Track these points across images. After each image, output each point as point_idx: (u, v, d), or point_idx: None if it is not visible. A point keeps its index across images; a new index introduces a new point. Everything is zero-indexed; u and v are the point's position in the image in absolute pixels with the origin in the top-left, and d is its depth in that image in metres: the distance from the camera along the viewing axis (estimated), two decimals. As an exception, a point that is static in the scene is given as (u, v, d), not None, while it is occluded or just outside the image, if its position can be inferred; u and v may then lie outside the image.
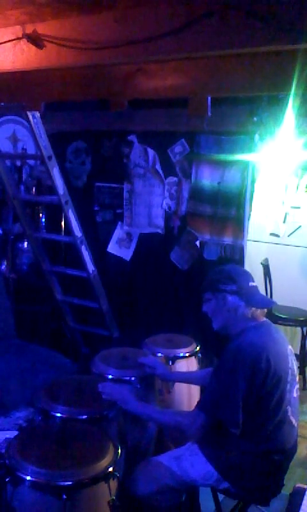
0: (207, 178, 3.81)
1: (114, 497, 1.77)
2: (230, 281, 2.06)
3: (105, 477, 1.76)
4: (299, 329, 4.31)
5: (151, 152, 4.00)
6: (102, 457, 1.80)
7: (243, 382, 1.86)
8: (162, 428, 2.38)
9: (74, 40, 2.04)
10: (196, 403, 2.01)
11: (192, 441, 2.12)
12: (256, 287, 2.10)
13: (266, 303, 2.13)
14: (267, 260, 4.39)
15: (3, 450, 1.88)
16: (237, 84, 2.34)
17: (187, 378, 2.61)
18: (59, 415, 2.10)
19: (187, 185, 3.91)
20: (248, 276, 2.10)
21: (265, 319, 2.10)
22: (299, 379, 2.10)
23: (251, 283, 2.07)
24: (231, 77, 2.32)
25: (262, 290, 4.04)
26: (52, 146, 3.40)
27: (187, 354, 2.87)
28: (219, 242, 3.82)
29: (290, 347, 2.09)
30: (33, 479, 1.69)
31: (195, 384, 2.69)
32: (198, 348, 2.94)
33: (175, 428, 2.11)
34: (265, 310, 2.12)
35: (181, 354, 2.86)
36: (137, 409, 2.12)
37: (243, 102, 3.52)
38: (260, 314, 2.08)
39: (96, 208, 4.38)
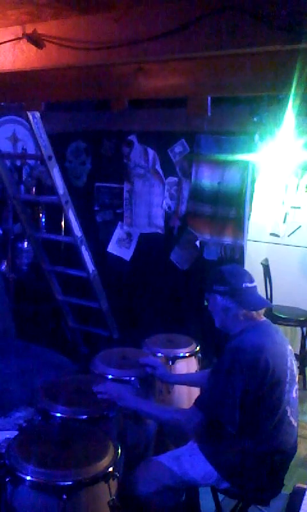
0: (207, 178, 3.81)
1: (114, 497, 1.77)
2: (222, 283, 2.05)
3: (105, 477, 1.75)
4: (298, 329, 4.31)
5: (151, 152, 4.00)
6: (102, 457, 1.80)
7: (241, 382, 1.86)
8: (159, 424, 2.38)
9: (74, 40, 2.04)
10: (195, 402, 2.01)
11: (192, 440, 2.12)
12: (251, 288, 2.06)
13: (259, 304, 2.09)
14: (267, 260, 4.39)
15: (3, 450, 1.88)
16: (237, 84, 2.34)
17: (187, 381, 2.61)
18: (59, 415, 2.10)
19: (187, 185, 3.91)
20: (243, 277, 2.07)
21: (264, 318, 2.10)
22: (299, 379, 2.10)
23: (245, 284, 2.05)
24: (231, 77, 2.31)
25: (262, 290, 4.05)
26: (52, 146, 3.40)
27: (187, 354, 2.87)
28: (219, 242, 3.82)
29: (290, 347, 2.09)
30: (33, 479, 1.69)
31: (195, 386, 2.68)
32: (198, 348, 2.94)
33: (172, 424, 2.12)
34: (262, 310, 2.11)
35: (181, 354, 2.86)
36: (134, 405, 2.12)
37: (243, 102, 3.53)
38: (258, 314, 2.07)
39: (96, 208, 4.38)
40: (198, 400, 1.98)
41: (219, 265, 2.27)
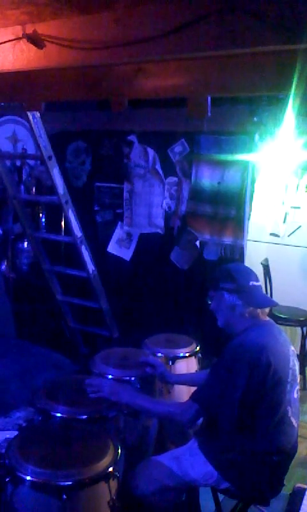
0: (207, 178, 3.81)
1: (114, 497, 1.77)
2: (229, 280, 2.06)
3: (105, 477, 1.76)
4: (298, 329, 4.31)
5: (151, 151, 4.00)
6: (102, 457, 1.81)
7: (241, 380, 1.87)
8: (155, 417, 2.37)
9: (74, 40, 2.04)
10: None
11: (192, 440, 2.12)
12: (257, 287, 2.09)
13: (265, 302, 2.12)
14: (267, 260, 4.40)
15: (3, 450, 1.89)
16: (237, 84, 2.33)
17: (187, 380, 2.60)
18: (59, 415, 2.10)
19: (187, 185, 3.91)
20: (250, 275, 2.09)
21: (268, 318, 2.10)
22: (299, 379, 2.10)
23: (252, 283, 2.07)
24: (231, 77, 2.31)
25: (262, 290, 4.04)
26: (52, 146, 3.40)
27: (187, 354, 2.87)
28: (219, 242, 3.82)
29: (292, 347, 2.09)
30: (33, 479, 1.69)
31: (195, 386, 2.68)
32: (198, 348, 2.94)
33: (167, 417, 2.12)
34: (267, 309, 2.11)
35: (181, 354, 2.86)
36: (128, 399, 2.11)
37: (243, 102, 3.52)
38: (262, 314, 2.07)
39: (96, 208, 4.38)
40: (194, 394, 1.99)
41: (220, 265, 2.27)
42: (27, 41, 2.13)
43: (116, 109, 2.66)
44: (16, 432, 2.28)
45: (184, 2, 1.77)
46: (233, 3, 1.66)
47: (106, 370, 2.49)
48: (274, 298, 4.24)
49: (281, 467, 2.00)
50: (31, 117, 3.24)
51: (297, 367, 2.06)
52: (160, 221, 4.07)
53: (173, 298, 4.10)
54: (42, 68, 2.23)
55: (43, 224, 4.50)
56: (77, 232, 3.64)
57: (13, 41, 2.22)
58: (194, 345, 2.95)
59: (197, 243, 3.93)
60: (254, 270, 2.16)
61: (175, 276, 4.05)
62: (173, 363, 2.80)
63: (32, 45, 2.14)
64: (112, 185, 4.26)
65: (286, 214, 4.65)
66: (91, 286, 3.81)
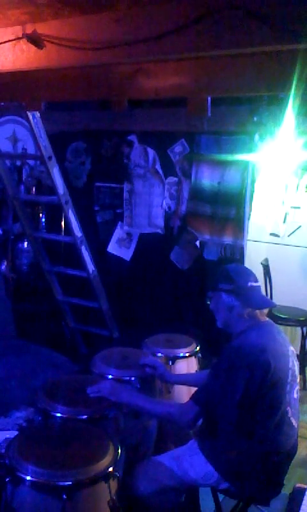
0: (207, 178, 3.81)
1: (114, 497, 1.77)
2: (227, 281, 2.06)
3: (105, 477, 1.76)
4: (298, 329, 4.31)
5: (151, 152, 4.00)
6: (102, 457, 1.80)
7: (240, 381, 1.86)
8: (154, 417, 2.37)
9: (74, 40, 2.04)
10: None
11: (193, 440, 2.12)
12: (256, 288, 2.08)
13: (263, 303, 2.11)
14: (267, 260, 4.39)
15: (3, 450, 1.89)
16: (237, 84, 2.34)
17: (187, 381, 2.60)
18: (59, 415, 2.10)
19: (187, 185, 3.91)
20: (249, 276, 2.09)
21: (267, 319, 2.10)
22: (299, 379, 2.10)
23: (250, 284, 2.06)
24: (231, 77, 2.31)
25: (262, 290, 4.04)
26: (52, 146, 3.40)
27: (187, 354, 2.87)
28: (219, 242, 3.82)
29: (291, 348, 2.09)
30: (33, 479, 1.69)
31: (195, 386, 2.68)
32: (198, 348, 2.94)
33: (166, 418, 2.12)
34: (266, 310, 2.11)
35: (181, 354, 2.86)
36: (127, 399, 2.12)
37: (243, 102, 3.52)
38: (261, 314, 2.07)
39: (96, 208, 4.38)
40: (195, 395, 1.99)
41: (220, 265, 2.27)
42: (27, 41, 2.13)
43: (116, 109, 2.66)
44: (16, 432, 2.28)
45: (184, 2, 1.77)
46: (233, 3, 1.66)
47: (106, 370, 2.49)
48: (274, 298, 4.24)
49: (281, 467, 2.00)
50: (31, 117, 3.24)
51: (296, 367, 2.06)
52: (160, 221, 4.07)
53: (173, 298, 4.10)
54: (42, 68, 2.23)
55: (43, 224, 4.50)
56: (77, 232, 3.64)
57: (13, 41, 2.22)
58: (194, 345, 2.95)
59: (197, 243, 3.93)
60: (254, 270, 2.16)
61: (175, 276, 4.06)
62: (173, 363, 2.80)
63: (32, 45, 2.14)
64: (112, 185, 4.26)
65: (286, 214, 4.65)
66: (91, 286, 3.81)
